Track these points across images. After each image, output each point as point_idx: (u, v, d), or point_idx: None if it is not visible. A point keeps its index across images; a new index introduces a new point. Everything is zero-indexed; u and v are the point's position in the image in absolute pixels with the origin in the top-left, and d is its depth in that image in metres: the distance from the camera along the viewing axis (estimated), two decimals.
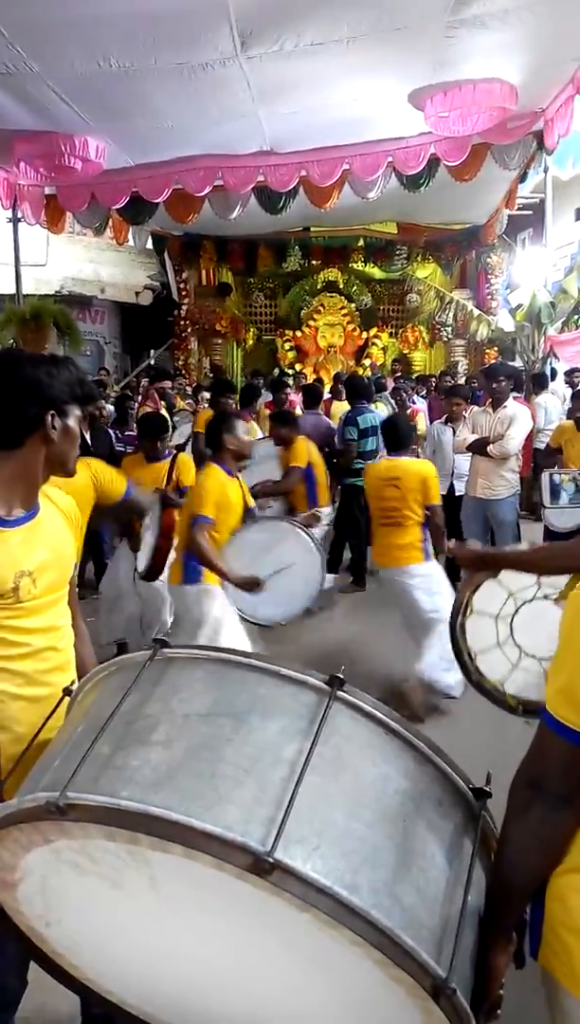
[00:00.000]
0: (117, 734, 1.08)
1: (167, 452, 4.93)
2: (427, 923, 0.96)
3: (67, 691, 1.34)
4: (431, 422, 7.93)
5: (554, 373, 9.92)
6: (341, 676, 1.10)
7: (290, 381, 9.56)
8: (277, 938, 0.98)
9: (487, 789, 1.15)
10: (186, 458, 4.97)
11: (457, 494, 5.95)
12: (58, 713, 1.37)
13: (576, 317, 9.32)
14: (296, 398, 8.70)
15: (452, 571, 4.41)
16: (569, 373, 9.75)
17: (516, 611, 2.71)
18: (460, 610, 2.78)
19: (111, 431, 6.85)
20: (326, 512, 5.71)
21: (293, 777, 0.97)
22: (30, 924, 1.24)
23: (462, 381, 10.80)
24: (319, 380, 11.11)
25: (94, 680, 1.29)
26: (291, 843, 0.91)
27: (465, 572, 2.76)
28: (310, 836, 0.93)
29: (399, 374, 11.06)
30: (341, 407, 8.23)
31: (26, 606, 1.61)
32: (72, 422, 1.66)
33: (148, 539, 3.82)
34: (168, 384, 8.36)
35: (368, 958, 0.90)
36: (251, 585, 3.63)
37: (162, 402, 7.96)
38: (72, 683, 1.37)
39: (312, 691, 1.11)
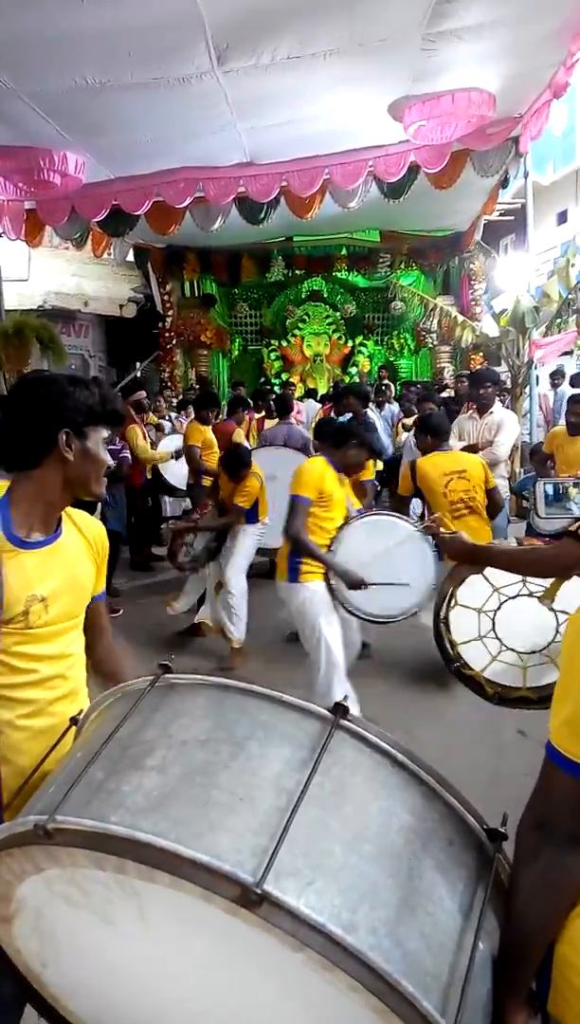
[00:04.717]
0: (112, 759, 1.05)
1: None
2: (432, 970, 0.89)
3: (73, 720, 1.31)
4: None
5: (537, 377, 9.99)
6: (345, 704, 1.06)
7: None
8: (271, 982, 0.93)
9: (502, 831, 1.08)
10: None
11: None
12: (64, 743, 1.34)
13: (559, 321, 9.37)
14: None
15: None
16: (553, 375, 9.82)
17: (499, 606, 2.74)
18: (445, 602, 2.82)
19: None
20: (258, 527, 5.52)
21: (290, 807, 0.93)
22: (28, 965, 1.21)
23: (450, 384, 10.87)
24: (290, 386, 11.10)
25: (99, 709, 1.26)
26: (284, 875, 0.87)
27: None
28: (305, 869, 0.89)
29: (388, 380, 11.05)
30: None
31: (36, 632, 1.57)
32: (92, 443, 1.61)
33: None
34: (142, 395, 8.28)
35: (367, 1007, 0.84)
36: (355, 583, 3.49)
37: (140, 416, 7.92)
38: (79, 712, 1.34)
39: (315, 719, 1.07)
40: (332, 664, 3.51)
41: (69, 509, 1.71)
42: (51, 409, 1.57)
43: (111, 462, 1.70)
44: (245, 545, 5.19)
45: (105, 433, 1.65)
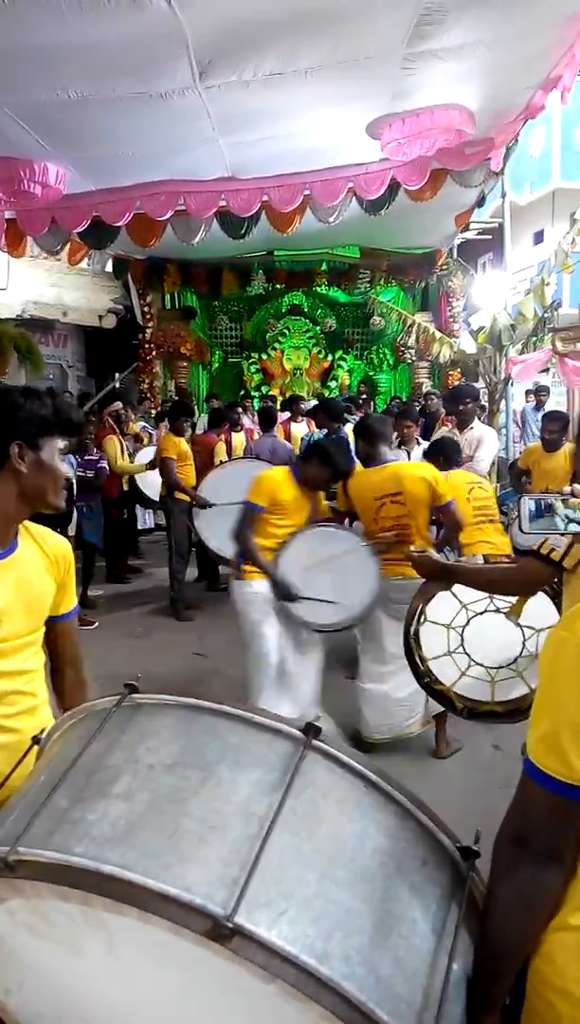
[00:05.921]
0: (77, 786, 1.02)
1: None
2: (406, 996, 0.88)
3: (35, 740, 1.28)
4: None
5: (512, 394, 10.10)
6: (317, 724, 1.04)
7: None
8: (243, 1013, 0.91)
9: (475, 848, 1.07)
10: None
11: None
12: (26, 763, 1.31)
13: (535, 339, 9.47)
14: (253, 426, 8.72)
15: None
16: (535, 392, 9.92)
17: (468, 622, 2.80)
18: (415, 618, 2.86)
19: (72, 457, 6.70)
20: None
21: (261, 834, 0.91)
22: None
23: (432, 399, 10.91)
24: (272, 399, 11.14)
25: (62, 729, 1.23)
26: (256, 907, 0.85)
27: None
28: (277, 899, 0.87)
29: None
30: (299, 429, 8.28)
31: None
32: (46, 454, 1.60)
33: None
34: (119, 406, 8.26)
35: None
36: (286, 595, 3.66)
37: (117, 426, 7.89)
38: (41, 731, 1.31)
39: (287, 740, 1.04)
40: (265, 662, 3.74)
41: (29, 524, 1.69)
42: (2, 422, 1.56)
43: (69, 473, 1.69)
44: None
45: (61, 444, 1.64)
